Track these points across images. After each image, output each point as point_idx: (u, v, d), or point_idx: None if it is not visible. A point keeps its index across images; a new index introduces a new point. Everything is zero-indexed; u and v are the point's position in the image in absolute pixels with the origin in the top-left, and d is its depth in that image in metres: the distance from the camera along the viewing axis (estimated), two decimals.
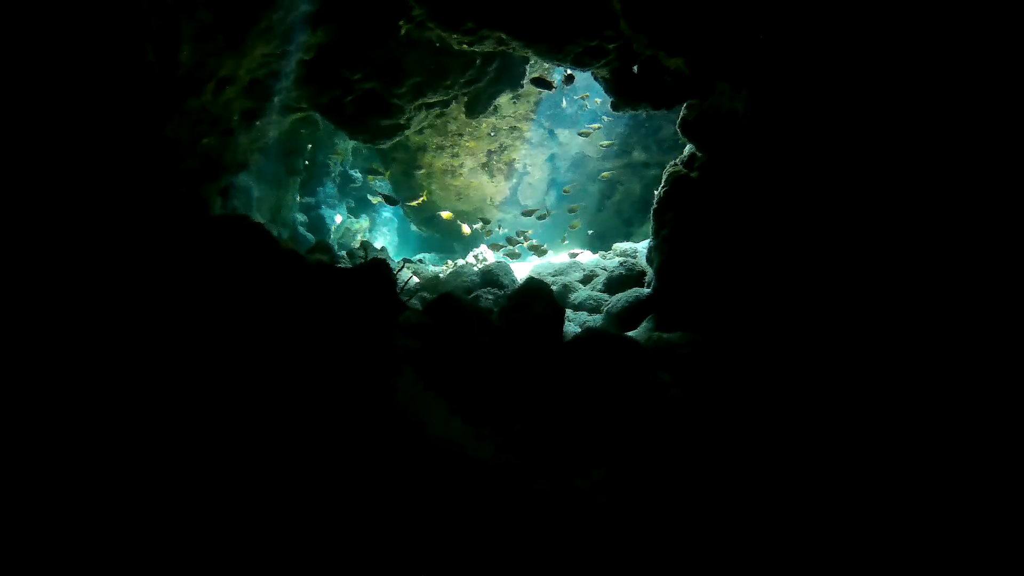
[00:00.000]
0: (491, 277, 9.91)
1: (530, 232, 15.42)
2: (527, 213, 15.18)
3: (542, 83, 11.63)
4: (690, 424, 5.63)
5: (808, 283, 6.56)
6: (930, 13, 4.86)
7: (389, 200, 17.13)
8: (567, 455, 4.81)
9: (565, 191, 16.84)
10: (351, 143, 20.65)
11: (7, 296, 3.83)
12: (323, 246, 12.37)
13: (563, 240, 15.66)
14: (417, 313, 6.54)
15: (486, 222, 15.73)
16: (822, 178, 6.24)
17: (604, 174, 16.77)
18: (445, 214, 15.72)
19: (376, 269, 5.20)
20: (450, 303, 6.16)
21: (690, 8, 6.18)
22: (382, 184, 25.71)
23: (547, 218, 15.18)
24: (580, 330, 8.97)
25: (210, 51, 9.52)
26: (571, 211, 15.15)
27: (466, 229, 15.92)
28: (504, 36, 8.75)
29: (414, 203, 17.80)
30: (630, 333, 8.42)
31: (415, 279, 12.38)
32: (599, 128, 15.96)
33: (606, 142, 16.49)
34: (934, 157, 5.08)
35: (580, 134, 16.18)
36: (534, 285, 6.82)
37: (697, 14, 6.14)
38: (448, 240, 20.53)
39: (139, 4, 7.49)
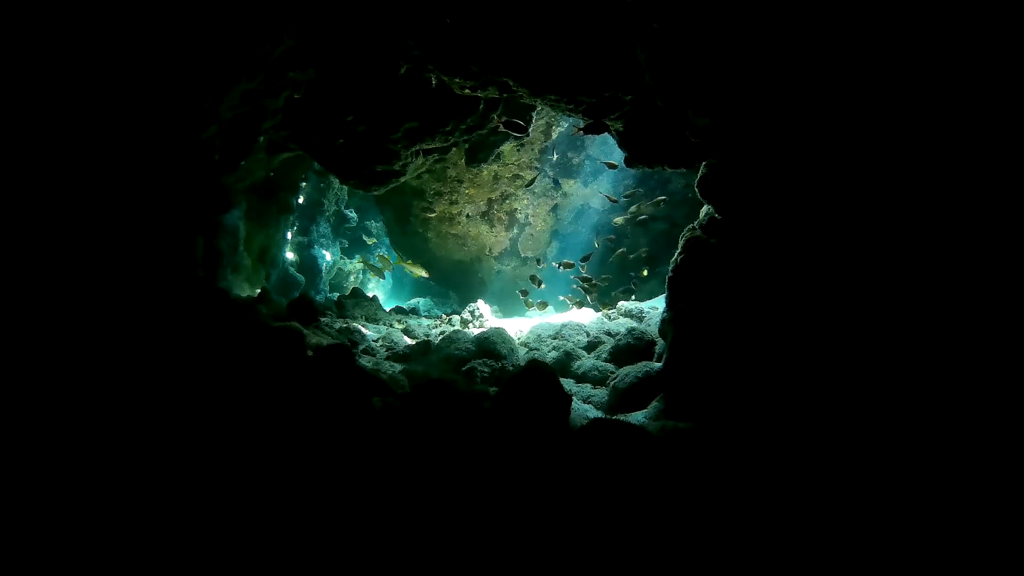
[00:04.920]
0: (488, 346, 8.98)
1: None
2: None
3: (514, 127, 10.47)
4: (708, 543, 4.77)
5: (839, 375, 5.72)
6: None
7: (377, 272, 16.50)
8: None
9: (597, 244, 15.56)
10: None
11: None
12: (303, 302, 11.45)
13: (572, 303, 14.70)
14: (396, 399, 5.65)
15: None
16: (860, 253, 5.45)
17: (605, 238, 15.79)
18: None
19: (338, 357, 4.40)
20: (438, 392, 5.27)
21: (726, 63, 5.38)
22: (378, 225, 24.96)
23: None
24: (583, 406, 8.12)
25: (189, 87, 8.73)
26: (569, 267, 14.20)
27: None
28: (511, 83, 7.95)
29: (408, 266, 16.91)
30: (639, 413, 7.58)
31: (406, 339, 11.49)
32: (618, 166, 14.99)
33: (612, 196, 15.56)
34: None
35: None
36: (536, 371, 5.91)
37: (735, 70, 5.34)
38: (443, 287, 19.74)
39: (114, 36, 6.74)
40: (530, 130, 11.86)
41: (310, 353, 6.52)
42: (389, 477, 4.79)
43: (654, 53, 6.06)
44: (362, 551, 3.92)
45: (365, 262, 18.72)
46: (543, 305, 14.87)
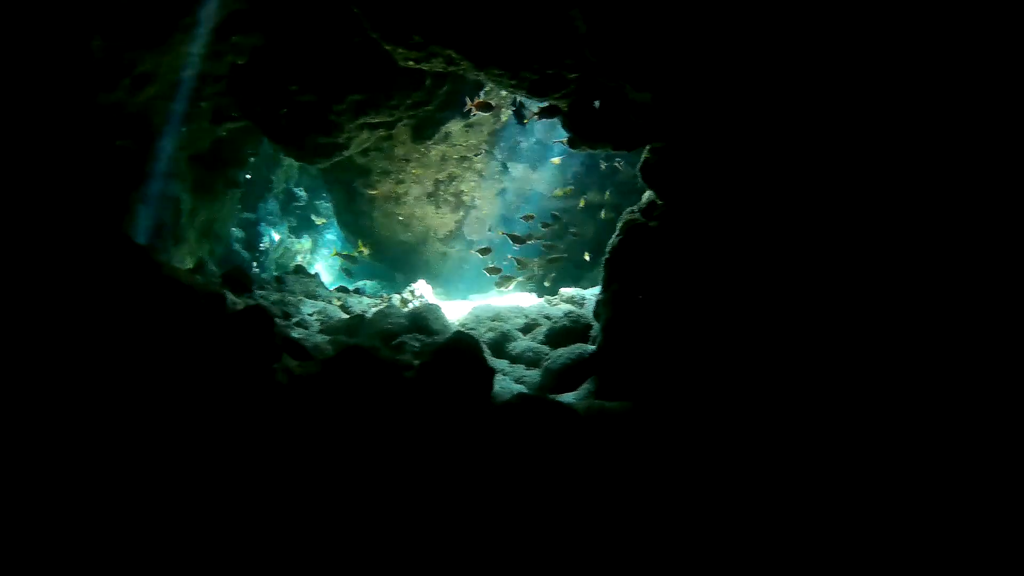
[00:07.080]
0: (421, 321, 8.92)
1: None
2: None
3: (485, 107, 10.44)
4: (625, 515, 4.74)
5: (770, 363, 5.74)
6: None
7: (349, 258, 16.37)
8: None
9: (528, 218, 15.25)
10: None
11: None
12: (236, 273, 11.20)
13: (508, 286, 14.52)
14: (316, 364, 5.55)
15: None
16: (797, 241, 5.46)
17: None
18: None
19: (255, 320, 4.29)
20: (358, 358, 5.17)
21: (666, 35, 5.35)
22: (327, 206, 24.62)
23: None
24: (515, 386, 8.07)
25: (127, 44, 8.46)
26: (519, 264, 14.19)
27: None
28: (454, 55, 7.85)
29: (360, 250, 16.73)
30: (569, 395, 7.54)
31: (343, 314, 11.35)
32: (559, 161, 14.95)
33: (562, 189, 15.53)
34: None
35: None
36: (460, 342, 5.85)
37: (674, 42, 5.31)
38: (391, 269, 19.56)
39: None
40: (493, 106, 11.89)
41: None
42: (299, 444, 4.68)
43: (592, 22, 6.01)
44: (263, 516, 3.83)
45: (341, 254, 18.38)
46: (507, 280, 14.04)
